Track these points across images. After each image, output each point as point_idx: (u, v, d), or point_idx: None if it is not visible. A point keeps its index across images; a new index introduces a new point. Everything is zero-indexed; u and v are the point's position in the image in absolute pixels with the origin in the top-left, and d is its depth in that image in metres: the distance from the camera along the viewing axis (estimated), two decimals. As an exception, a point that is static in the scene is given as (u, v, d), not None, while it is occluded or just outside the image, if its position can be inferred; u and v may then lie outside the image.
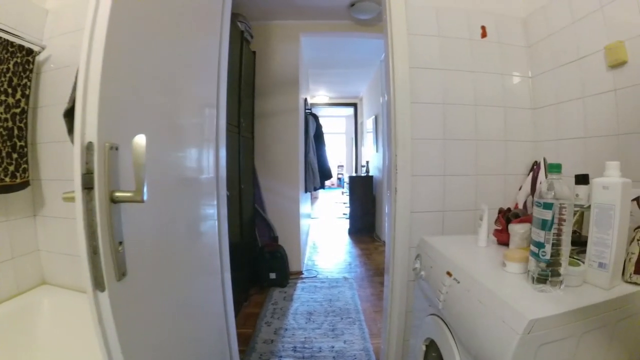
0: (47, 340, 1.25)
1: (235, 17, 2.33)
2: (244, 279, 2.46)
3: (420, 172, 1.37)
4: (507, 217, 1.14)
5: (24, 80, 1.29)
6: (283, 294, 2.64)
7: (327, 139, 4.47)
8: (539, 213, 0.76)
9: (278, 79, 3.03)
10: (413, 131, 1.35)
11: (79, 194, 0.54)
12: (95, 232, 0.54)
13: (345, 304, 2.46)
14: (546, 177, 1.32)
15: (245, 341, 1.97)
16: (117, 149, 0.58)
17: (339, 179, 10.96)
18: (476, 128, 1.47)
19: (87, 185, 0.54)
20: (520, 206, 1.34)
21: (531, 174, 1.34)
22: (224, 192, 1.29)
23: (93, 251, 0.54)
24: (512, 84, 1.51)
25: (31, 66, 1.31)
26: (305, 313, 2.31)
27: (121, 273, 0.58)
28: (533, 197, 1.28)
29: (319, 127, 4.17)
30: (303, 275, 3.06)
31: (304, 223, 3.47)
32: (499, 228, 1.12)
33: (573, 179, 1.07)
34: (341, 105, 7.17)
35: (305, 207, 3.74)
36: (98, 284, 0.55)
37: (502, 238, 1.10)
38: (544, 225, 0.74)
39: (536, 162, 1.51)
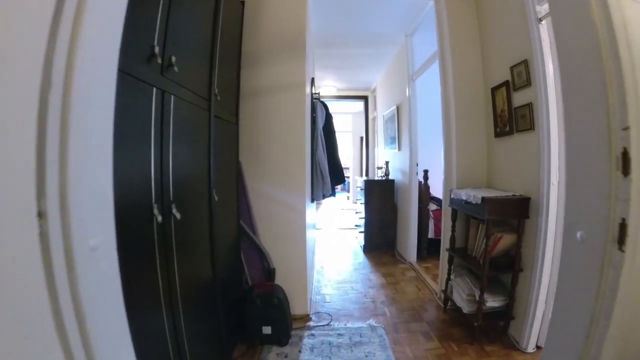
0: None
1: None
2: (222, 335, 1.55)
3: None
4: None
5: None
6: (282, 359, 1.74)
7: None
8: None
9: (277, 43, 2.15)
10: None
11: None
12: None
13: (379, 382, 1.57)
14: None
15: None
16: None
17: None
18: None
19: None
20: None
21: None
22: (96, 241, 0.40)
23: None
24: None
25: None
26: (318, 406, 1.42)
27: None
28: None
29: (329, 118, 3.28)
30: (311, 322, 2.16)
31: (310, 240, 2.57)
32: None
33: None
34: (350, 99, 6.28)
35: (311, 221, 2.84)
36: None
37: None
38: None
39: None
